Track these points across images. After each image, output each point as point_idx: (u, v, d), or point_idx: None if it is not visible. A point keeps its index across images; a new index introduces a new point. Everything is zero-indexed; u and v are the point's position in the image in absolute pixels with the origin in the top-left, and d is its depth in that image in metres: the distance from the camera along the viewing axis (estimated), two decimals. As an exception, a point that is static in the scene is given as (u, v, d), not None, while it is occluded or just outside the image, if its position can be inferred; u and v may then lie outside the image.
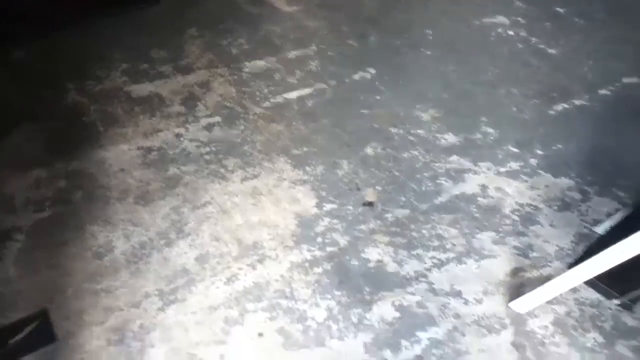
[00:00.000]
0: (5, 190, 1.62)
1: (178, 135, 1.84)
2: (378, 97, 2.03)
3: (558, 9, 2.50)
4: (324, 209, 1.64)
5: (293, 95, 2.02)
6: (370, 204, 1.67)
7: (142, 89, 2.00)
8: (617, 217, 1.67)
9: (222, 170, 1.74)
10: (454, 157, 1.82)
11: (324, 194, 1.68)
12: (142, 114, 1.91)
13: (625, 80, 2.12)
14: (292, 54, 2.22)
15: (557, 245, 1.61)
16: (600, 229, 1.64)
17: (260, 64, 2.16)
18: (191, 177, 1.71)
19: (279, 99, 2.01)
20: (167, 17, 2.39)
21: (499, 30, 2.36)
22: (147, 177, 1.69)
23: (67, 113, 1.87)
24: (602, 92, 2.06)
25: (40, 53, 2.14)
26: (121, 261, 1.47)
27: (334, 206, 1.65)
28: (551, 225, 1.66)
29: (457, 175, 1.77)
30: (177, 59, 2.15)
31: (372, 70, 2.14)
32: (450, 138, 1.87)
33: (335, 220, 1.61)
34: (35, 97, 1.93)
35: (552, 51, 2.24)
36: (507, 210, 1.69)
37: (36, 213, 1.56)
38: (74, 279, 1.43)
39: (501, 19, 2.44)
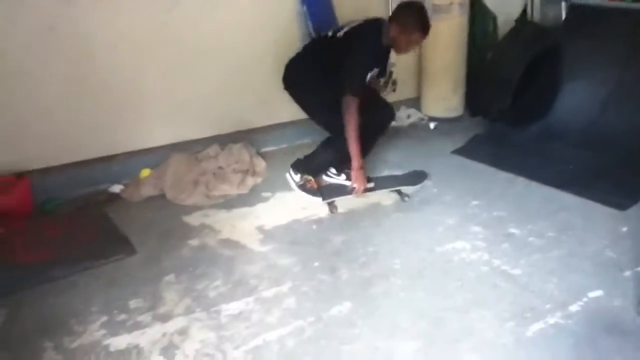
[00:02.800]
0: None
1: (157, 391, 1.83)
2: (356, 331, 2.11)
3: (512, 230, 2.78)
4: None
5: (272, 336, 2.08)
6: None
7: (121, 341, 2.04)
8: None
9: None
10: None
11: None
12: (120, 371, 1.92)
13: (591, 294, 2.28)
14: (269, 292, 2.34)
15: None
16: None
17: (237, 305, 2.26)
18: None
19: (259, 340, 2.06)
20: (144, 266, 2.55)
21: (462, 255, 2.58)
22: None
23: (42, 376, 1.86)
24: (573, 308, 2.20)
25: (13, 313, 2.20)
26: None
27: None
28: None
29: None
30: (156, 307, 2.23)
31: (348, 304, 2.26)
32: (434, 372, 1.91)
33: None
34: (9, 360, 1.93)
35: (516, 271, 2.43)
36: None
37: None
38: None
39: (462, 243, 2.67)
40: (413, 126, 4.38)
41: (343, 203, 3.07)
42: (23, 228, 2.87)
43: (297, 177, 3.19)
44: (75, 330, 2.10)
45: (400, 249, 2.64)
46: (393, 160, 3.68)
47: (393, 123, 4.04)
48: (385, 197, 3.15)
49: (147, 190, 3.21)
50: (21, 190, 3.01)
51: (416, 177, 3.26)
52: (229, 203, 3.14)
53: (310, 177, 3.17)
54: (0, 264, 2.45)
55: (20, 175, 3.07)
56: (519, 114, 3.86)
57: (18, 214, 2.96)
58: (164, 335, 2.09)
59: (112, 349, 2.01)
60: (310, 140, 3.84)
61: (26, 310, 2.24)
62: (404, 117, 4.40)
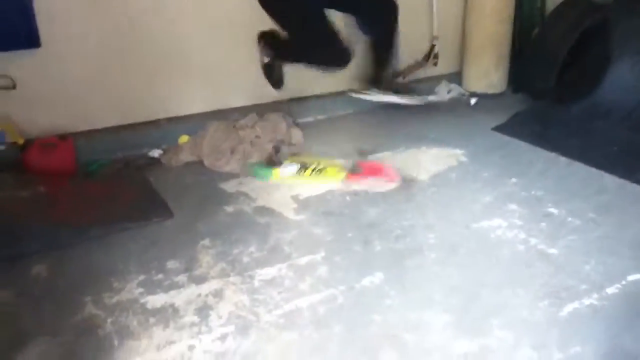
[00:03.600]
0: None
1: (191, 347, 1.90)
2: (388, 302, 2.13)
3: (551, 209, 2.74)
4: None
5: (304, 302, 2.12)
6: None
7: (157, 299, 2.11)
8: None
9: (235, 384, 1.76)
10: (471, 363, 1.86)
11: (340, 407, 1.68)
12: (156, 325, 1.99)
13: (630, 277, 2.24)
14: (302, 260, 2.37)
15: None
16: None
17: (271, 271, 2.30)
18: (204, 392, 1.72)
19: (291, 306, 2.10)
20: (181, 229, 2.61)
21: (498, 232, 2.56)
22: (159, 394, 1.71)
23: (83, 327, 1.94)
24: (610, 290, 2.16)
25: (56, 268, 2.29)
26: None
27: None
28: None
29: (475, 383, 1.78)
30: (191, 269, 2.29)
31: (380, 275, 2.27)
32: (465, 344, 1.92)
33: None
34: (51, 312, 2.02)
35: (552, 251, 2.40)
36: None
37: None
38: None
39: (498, 221, 2.65)
40: (453, 101, 4.31)
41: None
42: (66, 188, 2.97)
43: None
44: (114, 287, 2.18)
45: (435, 224, 2.63)
46: (431, 135, 3.64)
47: (433, 98, 4.01)
48: (421, 171, 3.13)
49: (186, 156, 3.27)
50: (65, 151, 3.11)
51: None
52: (264, 172, 3.17)
53: None
54: (43, 222, 2.54)
55: (63, 137, 3.16)
56: (564, 92, 3.77)
57: (62, 174, 3.06)
58: (198, 296, 2.15)
59: (148, 306, 2.08)
60: (351, 111, 3.85)
61: (67, 266, 2.33)
62: (444, 92, 4.33)
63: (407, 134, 3.54)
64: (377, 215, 2.72)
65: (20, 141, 3.06)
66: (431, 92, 4.26)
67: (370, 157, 3.32)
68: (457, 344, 1.92)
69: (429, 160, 3.28)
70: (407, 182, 3.02)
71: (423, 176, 3.09)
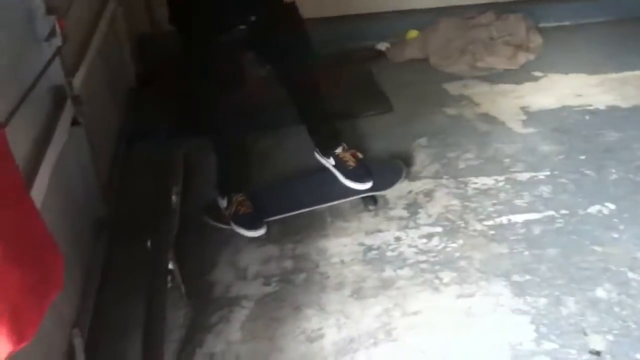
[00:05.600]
0: (241, 262, 1.91)
1: (397, 239, 1.98)
2: (615, 236, 1.95)
3: None
4: (542, 346, 1.59)
5: (519, 218, 2.05)
6: (597, 353, 1.57)
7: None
8: None
9: (436, 281, 1.81)
10: None
11: (544, 330, 1.63)
12: (367, 212, 2.11)
13: None
14: (522, 176, 2.26)
15: None
16: None
17: (486, 181, 2.24)
18: (405, 282, 1.81)
19: (504, 219, 2.05)
20: (398, 124, 2.64)
21: None
22: (364, 274, 1.84)
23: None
24: None
25: (280, 142, 2.53)
26: (329, 350, 1.59)
27: (555, 346, 1.59)
28: None
29: None
30: (405, 165, 2.33)
31: (611, 206, 2.07)
32: None
33: (553, 362, 1.55)
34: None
35: None
36: None
37: (264, 286, 1.80)
38: (285, 355, 1.59)
39: None
40: None
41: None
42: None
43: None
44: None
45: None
46: None
47: None
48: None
49: (412, 52, 3.23)
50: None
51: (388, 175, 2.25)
52: (494, 77, 3.00)
53: None
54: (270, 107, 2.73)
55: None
56: None
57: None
58: (409, 192, 2.20)
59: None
60: (602, 19, 3.39)
61: (291, 140, 2.51)
62: None
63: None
64: (618, 140, 2.44)
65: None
66: None
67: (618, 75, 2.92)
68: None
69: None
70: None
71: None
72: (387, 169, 2.26)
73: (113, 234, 1.99)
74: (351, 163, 2.14)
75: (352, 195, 2.14)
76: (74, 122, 1.80)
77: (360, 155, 2.19)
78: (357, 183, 2.12)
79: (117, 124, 2.58)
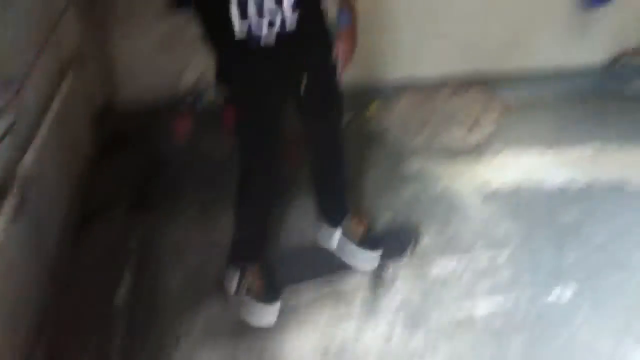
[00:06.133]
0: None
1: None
2: (579, 321, 1.96)
3: None
4: None
5: (480, 310, 2.05)
6: None
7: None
8: None
9: None
10: None
11: None
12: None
13: None
14: (483, 257, 2.27)
15: None
16: None
17: (447, 264, 2.23)
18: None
19: (464, 312, 2.04)
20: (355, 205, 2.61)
21: None
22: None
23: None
24: None
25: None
26: None
27: None
28: None
29: None
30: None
31: (573, 288, 2.11)
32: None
33: None
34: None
35: None
36: None
37: None
38: None
39: None
40: None
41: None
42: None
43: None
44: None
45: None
46: None
47: None
48: (633, 172, 2.74)
49: (371, 125, 3.26)
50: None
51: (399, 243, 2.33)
52: (453, 152, 2.98)
53: None
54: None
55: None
56: None
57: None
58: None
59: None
60: (561, 92, 3.44)
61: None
62: None
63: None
64: (576, 217, 2.47)
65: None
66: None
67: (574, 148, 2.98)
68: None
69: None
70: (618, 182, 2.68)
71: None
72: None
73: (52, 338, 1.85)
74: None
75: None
76: (18, 210, 1.71)
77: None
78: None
79: (69, 203, 2.48)
